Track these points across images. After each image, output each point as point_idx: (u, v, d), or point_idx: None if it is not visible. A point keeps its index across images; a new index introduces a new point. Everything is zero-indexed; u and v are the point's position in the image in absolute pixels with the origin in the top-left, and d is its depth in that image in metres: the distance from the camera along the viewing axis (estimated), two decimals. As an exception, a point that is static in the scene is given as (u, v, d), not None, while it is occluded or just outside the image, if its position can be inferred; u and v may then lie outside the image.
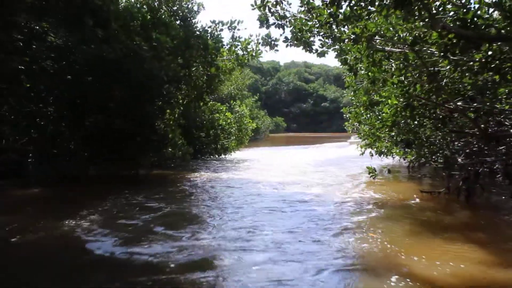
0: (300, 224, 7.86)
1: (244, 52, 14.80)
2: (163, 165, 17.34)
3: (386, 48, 10.62)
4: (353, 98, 16.60)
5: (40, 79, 12.13)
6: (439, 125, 12.03)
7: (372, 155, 18.53)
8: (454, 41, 7.72)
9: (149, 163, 15.74)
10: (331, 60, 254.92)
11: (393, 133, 13.66)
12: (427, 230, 7.36)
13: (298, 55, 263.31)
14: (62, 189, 12.05)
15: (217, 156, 24.05)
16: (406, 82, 11.41)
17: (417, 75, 11.11)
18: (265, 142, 53.64)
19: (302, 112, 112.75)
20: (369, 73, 11.84)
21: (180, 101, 16.13)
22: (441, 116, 11.96)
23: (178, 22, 14.49)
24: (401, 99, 11.87)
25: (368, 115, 16.71)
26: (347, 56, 11.38)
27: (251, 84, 79.48)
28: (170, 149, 15.73)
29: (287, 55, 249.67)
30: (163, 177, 15.46)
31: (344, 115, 17.92)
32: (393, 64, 11.48)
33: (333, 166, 19.21)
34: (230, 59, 14.99)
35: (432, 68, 10.03)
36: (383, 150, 18.15)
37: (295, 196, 10.81)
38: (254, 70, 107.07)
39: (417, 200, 10.17)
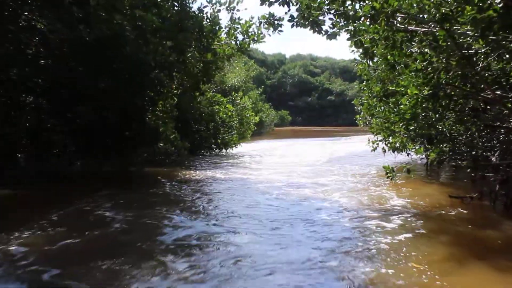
0: (313, 253, 5.85)
1: (245, 36, 13.23)
2: (157, 161, 15.88)
3: (409, 27, 8.98)
4: (365, 88, 15.00)
5: (15, 63, 10.63)
6: (471, 118, 10.47)
7: (384, 152, 16.97)
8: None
9: (139, 159, 14.25)
10: (337, 53, 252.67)
11: (411, 128, 12.09)
12: (469, 251, 5.82)
13: (304, 47, 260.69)
14: (28, 191, 10.36)
15: (217, 151, 22.53)
16: (431, 68, 9.81)
17: (445, 59, 9.52)
18: (270, 135, 52.05)
19: (307, 106, 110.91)
20: (388, 57, 10.27)
21: (174, 91, 14.60)
22: (471, 108, 10.40)
23: (170, 2, 12.89)
24: (425, 88, 10.28)
25: (382, 107, 15.16)
26: (361, 38, 9.73)
27: (256, 77, 77.87)
28: (162, 144, 14.22)
29: (293, 47, 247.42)
30: (153, 176, 13.94)
31: (355, 107, 16.34)
32: (415, 48, 9.90)
33: (344, 164, 17.69)
34: (229, 44, 13.42)
35: (465, 51, 8.47)
36: (397, 146, 16.59)
37: (305, 206, 9.10)
38: (259, 63, 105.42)
39: (448, 208, 8.58)
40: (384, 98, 14.35)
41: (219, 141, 21.65)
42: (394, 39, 9.38)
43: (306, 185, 11.60)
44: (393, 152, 17.18)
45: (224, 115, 21.80)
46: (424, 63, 9.82)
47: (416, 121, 12.00)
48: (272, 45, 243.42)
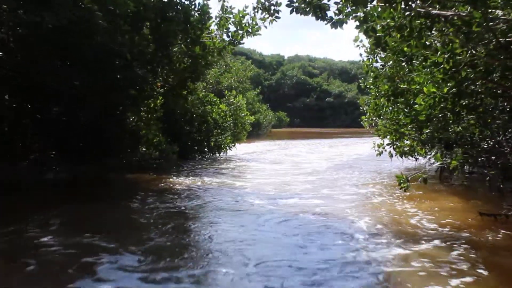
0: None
1: (238, 28, 11.75)
2: (142, 167, 14.38)
3: (432, 11, 7.48)
4: (371, 86, 13.53)
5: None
6: (497, 119, 9.04)
7: (391, 156, 15.52)
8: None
9: (118, 165, 12.75)
10: (335, 54, 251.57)
11: (426, 131, 10.62)
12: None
13: (302, 49, 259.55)
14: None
15: (211, 154, 21.00)
16: (454, 61, 8.36)
17: (471, 50, 8.06)
18: (267, 137, 50.54)
19: (305, 107, 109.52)
20: (405, 48, 8.80)
21: (160, 90, 13.11)
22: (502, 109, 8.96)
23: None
24: (446, 85, 8.82)
25: (390, 108, 13.70)
26: (373, 24, 8.24)
27: (253, 78, 76.41)
28: (144, 149, 12.73)
29: (291, 49, 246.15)
30: (130, 184, 12.47)
31: (361, 108, 14.86)
32: (436, 38, 8.44)
33: (349, 170, 16.02)
34: (220, 36, 11.95)
35: (502, 39, 7.03)
36: (405, 151, 15.13)
37: (305, 224, 7.54)
38: (257, 64, 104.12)
39: (481, 228, 7.04)
40: (392, 98, 12.89)
41: (212, 143, 20.13)
42: (412, 27, 7.89)
43: (308, 199, 9.91)
44: (401, 157, 15.74)
45: (217, 116, 20.26)
46: (446, 56, 8.36)
47: (431, 123, 10.56)
48: (270, 46, 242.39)
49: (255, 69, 77.13)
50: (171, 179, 12.89)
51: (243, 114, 21.73)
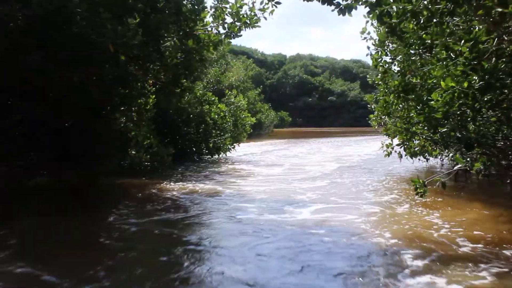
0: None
1: (235, 19, 10.76)
2: (136, 171, 13.44)
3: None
4: (379, 82, 12.52)
5: None
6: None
7: (401, 157, 14.52)
8: None
9: (107, 170, 11.79)
10: (337, 52, 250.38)
11: (443, 130, 9.59)
12: None
13: (303, 47, 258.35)
14: None
15: (209, 156, 20.04)
16: (478, 50, 7.40)
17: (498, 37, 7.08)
18: (269, 137, 49.54)
19: (307, 107, 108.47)
20: (423, 36, 7.82)
21: (151, 88, 12.14)
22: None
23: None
24: (468, 78, 7.84)
25: (401, 105, 12.70)
26: (387, 8, 7.26)
27: (255, 77, 75.48)
28: (134, 152, 11.75)
29: (292, 48, 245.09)
30: (118, 190, 11.57)
31: (368, 105, 13.86)
32: (460, 24, 7.49)
33: (357, 174, 14.88)
34: (215, 28, 10.96)
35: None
36: (416, 151, 14.13)
37: (313, 249, 6.16)
38: (259, 64, 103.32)
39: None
40: (403, 94, 11.90)
41: (210, 145, 19.15)
42: (432, 11, 6.91)
43: (316, 212, 8.66)
44: (411, 158, 14.75)
45: (216, 116, 19.27)
46: (469, 44, 7.40)
47: (449, 122, 9.55)
48: (271, 45, 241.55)
49: (256, 68, 76.20)
50: (162, 185, 11.91)
51: (243, 115, 20.71)
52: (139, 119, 11.73)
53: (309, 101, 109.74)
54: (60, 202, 9.69)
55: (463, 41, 7.39)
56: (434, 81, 9.13)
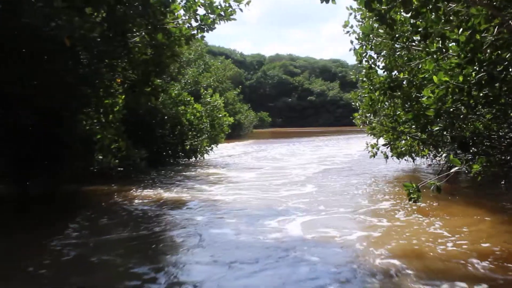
0: None
1: (208, 11, 9.90)
2: (106, 176, 12.51)
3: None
4: (364, 79, 11.78)
5: None
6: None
7: (387, 158, 13.84)
8: None
9: (71, 176, 10.82)
10: (317, 53, 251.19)
11: (436, 128, 8.87)
12: None
13: (283, 48, 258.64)
14: None
15: (186, 159, 19.08)
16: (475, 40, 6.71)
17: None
18: (248, 138, 48.71)
19: (287, 107, 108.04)
20: (418, 23, 7.06)
21: (118, 87, 11.18)
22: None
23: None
24: (463, 72, 7.15)
25: (387, 103, 12.00)
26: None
27: (234, 78, 74.54)
28: (101, 156, 10.79)
29: (272, 49, 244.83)
30: (80, 199, 10.61)
31: (352, 104, 13.13)
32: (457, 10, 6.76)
33: (343, 177, 13.93)
34: (187, 21, 10.07)
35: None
36: (402, 151, 13.46)
37: (301, 277, 5.07)
38: (238, 64, 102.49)
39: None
40: (389, 91, 11.19)
41: (187, 147, 18.21)
42: (426, -5, 6.17)
43: (304, 224, 7.59)
44: (398, 158, 14.09)
45: (192, 117, 18.33)
46: (467, 33, 6.69)
47: (441, 120, 8.84)
48: (251, 46, 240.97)
49: (235, 68, 75.29)
50: (129, 192, 10.96)
51: (220, 115, 19.77)
52: (105, 121, 10.74)
53: (289, 101, 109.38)
54: (4, 215, 8.61)
55: (461, 30, 6.67)
56: (426, 75, 8.42)
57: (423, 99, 8.41)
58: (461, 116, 9.10)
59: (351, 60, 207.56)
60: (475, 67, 7.50)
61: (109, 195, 10.64)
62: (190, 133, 18.34)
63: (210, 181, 13.52)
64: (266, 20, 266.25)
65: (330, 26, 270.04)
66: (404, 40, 9.83)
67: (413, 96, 10.36)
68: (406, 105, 10.70)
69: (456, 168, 7.31)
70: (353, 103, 13.06)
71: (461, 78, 7.70)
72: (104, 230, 7.50)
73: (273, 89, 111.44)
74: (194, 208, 9.36)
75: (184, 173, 15.38)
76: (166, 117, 16.94)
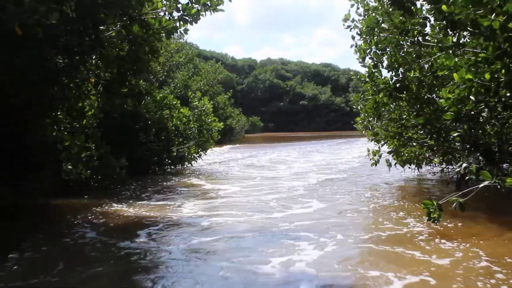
0: None
1: (193, 0, 8.66)
2: (82, 188, 11.24)
3: None
4: (367, 79, 10.56)
5: None
6: None
7: (390, 166, 12.64)
8: None
9: (39, 188, 9.51)
10: (308, 58, 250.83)
11: (455, 134, 7.68)
12: None
13: (274, 52, 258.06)
14: None
15: (173, 167, 17.77)
16: None
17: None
18: (240, 143, 47.47)
19: (279, 111, 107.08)
20: (444, 7, 5.85)
21: (90, 88, 9.92)
22: None
23: None
24: (505, 64, 6.00)
25: (392, 105, 10.82)
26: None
27: (225, 82, 73.33)
28: (70, 166, 9.49)
29: (264, 53, 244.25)
30: (44, 217, 9.19)
31: (353, 106, 11.93)
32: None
33: (344, 190, 12.26)
34: (168, 11, 8.83)
35: None
36: (407, 158, 12.27)
37: None
38: (229, 69, 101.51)
39: None
40: (395, 92, 10.01)
41: (173, 154, 16.92)
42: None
43: (316, 264, 5.76)
44: (403, 166, 12.90)
45: (179, 122, 17.04)
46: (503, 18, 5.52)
47: (462, 124, 7.66)
48: (242, 50, 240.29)
49: (225, 72, 74.14)
50: (98, 209, 9.55)
51: (209, 120, 18.43)
52: (75, 125, 9.45)
53: (281, 105, 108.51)
54: None
55: (494, 15, 5.49)
56: (444, 73, 7.24)
57: (440, 100, 7.24)
58: (482, 120, 7.95)
59: (343, 64, 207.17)
60: (506, 61, 6.37)
61: (76, 211, 9.28)
62: (176, 139, 17.05)
63: (192, 194, 11.92)
64: (258, 24, 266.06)
65: (321, 31, 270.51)
66: (415, 33, 8.69)
67: (425, 97, 9.20)
68: (415, 108, 9.52)
69: (486, 182, 6.12)
70: (354, 107, 11.85)
71: (487, 76, 6.55)
72: (44, 268, 5.75)
73: (264, 93, 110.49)
74: (170, 235, 7.44)
75: (166, 184, 14.06)
76: (149, 122, 15.64)
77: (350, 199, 10.76)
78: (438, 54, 8.31)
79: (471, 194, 5.96)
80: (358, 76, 11.06)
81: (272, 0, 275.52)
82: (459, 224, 7.27)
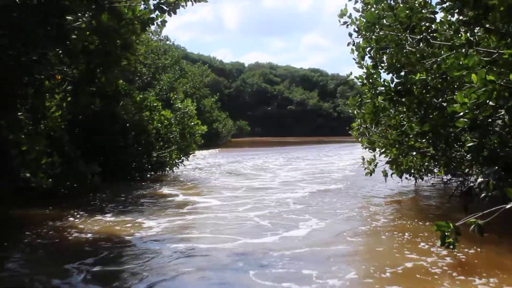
0: None
1: (171, -12, 7.61)
2: (50, 196, 10.13)
3: None
4: (364, 81, 9.56)
5: None
6: None
7: (386, 176, 11.69)
8: None
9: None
10: (296, 63, 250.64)
11: (470, 144, 6.70)
12: None
13: (263, 57, 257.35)
14: None
15: (151, 173, 16.61)
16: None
17: None
18: (226, 147, 46.39)
19: (266, 115, 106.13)
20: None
21: (58, 85, 8.81)
22: None
23: None
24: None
25: (392, 110, 9.85)
26: None
27: (213, 86, 72.29)
28: (28, 174, 8.34)
29: (252, 57, 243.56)
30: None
31: (349, 112, 10.93)
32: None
33: (339, 204, 10.92)
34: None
35: None
36: (406, 168, 11.31)
37: None
38: (217, 72, 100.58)
39: None
40: (397, 96, 9.05)
41: (153, 159, 15.77)
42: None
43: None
44: (400, 177, 11.93)
45: (160, 125, 15.91)
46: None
47: (476, 132, 6.69)
48: (231, 54, 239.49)
49: (212, 75, 73.17)
50: (52, 223, 8.28)
51: (192, 123, 17.24)
52: (35, 128, 8.31)
53: (268, 110, 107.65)
54: None
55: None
56: (463, 73, 6.25)
57: (454, 106, 6.26)
58: (498, 128, 7.00)
59: (331, 70, 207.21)
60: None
61: (27, 225, 8.08)
62: (157, 143, 15.92)
63: (164, 207, 10.39)
64: (247, 29, 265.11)
65: (310, 36, 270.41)
66: (423, 29, 7.73)
67: (432, 102, 8.23)
68: (419, 114, 8.54)
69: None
70: (349, 111, 10.86)
71: (512, 77, 5.61)
72: None
73: (252, 97, 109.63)
74: (99, 272, 5.68)
75: (141, 192, 12.86)
76: (128, 125, 14.49)
77: (348, 217, 9.43)
78: (447, 54, 7.38)
79: (494, 215, 4.97)
80: (354, 78, 10.08)
81: (261, 5, 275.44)
82: (480, 250, 6.21)
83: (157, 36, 39.59)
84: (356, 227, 8.42)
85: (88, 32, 7.83)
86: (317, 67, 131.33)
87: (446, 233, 5.42)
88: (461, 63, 6.20)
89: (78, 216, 9.15)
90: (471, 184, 8.50)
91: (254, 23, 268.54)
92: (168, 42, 47.97)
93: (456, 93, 7.13)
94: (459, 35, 7.24)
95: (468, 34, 7.34)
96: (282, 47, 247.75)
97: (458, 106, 6.10)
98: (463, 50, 7.07)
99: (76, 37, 7.76)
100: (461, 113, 6.17)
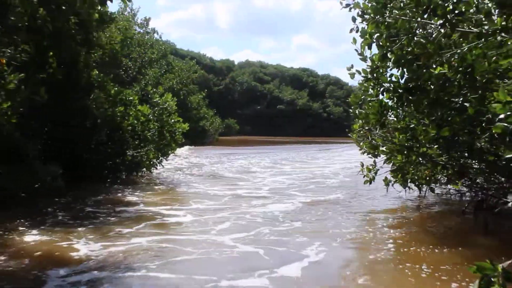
0: None
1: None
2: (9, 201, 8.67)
3: None
4: (369, 75, 8.14)
5: None
6: None
7: (388, 185, 10.29)
8: None
9: None
10: (286, 62, 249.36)
11: (509, 156, 5.31)
12: None
13: (253, 56, 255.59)
14: None
15: (126, 174, 15.02)
16: None
17: None
18: (213, 146, 44.90)
19: (256, 114, 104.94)
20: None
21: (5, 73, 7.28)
22: None
23: None
24: None
25: (399, 110, 8.46)
26: None
27: (202, 83, 70.63)
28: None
29: (242, 56, 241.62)
30: None
31: (350, 110, 9.46)
32: None
33: (339, 221, 9.17)
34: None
35: None
36: (413, 177, 9.91)
37: None
38: (207, 69, 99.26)
39: None
40: (407, 94, 7.65)
41: (128, 159, 14.18)
42: None
43: None
44: (404, 187, 10.55)
45: (136, 121, 14.33)
46: None
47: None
48: (221, 53, 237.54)
49: (201, 71, 71.48)
50: (14, 231, 6.91)
51: (172, 120, 15.58)
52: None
53: (258, 108, 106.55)
54: None
55: None
56: (502, 65, 4.87)
57: (493, 105, 4.87)
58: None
59: (321, 70, 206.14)
60: None
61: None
62: (132, 141, 14.36)
63: (124, 222, 8.52)
64: (238, 27, 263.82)
65: (300, 37, 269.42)
66: (448, 10, 6.32)
67: (451, 102, 6.83)
68: (436, 116, 7.15)
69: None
70: (350, 110, 9.41)
71: None
72: None
73: (242, 96, 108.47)
74: None
75: (107, 197, 11.31)
76: (99, 121, 12.91)
77: (353, 238, 7.70)
78: (475, 42, 6.00)
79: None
80: (355, 72, 8.60)
81: (253, 4, 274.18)
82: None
83: (143, 28, 38.07)
84: (366, 257, 6.72)
85: (33, 1, 6.30)
86: (308, 67, 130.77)
87: (492, 279, 4.00)
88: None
89: (9, 228, 7.50)
90: (507, 201, 7.09)
91: (245, 22, 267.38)
92: (155, 35, 46.32)
93: (486, 92, 5.77)
94: (493, 19, 5.86)
95: (504, 18, 5.94)
96: (273, 47, 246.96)
97: (499, 106, 4.68)
98: (498, 38, 5.73)
99: (19, 9, 6.22)
100: (501, 115, 4.77)
